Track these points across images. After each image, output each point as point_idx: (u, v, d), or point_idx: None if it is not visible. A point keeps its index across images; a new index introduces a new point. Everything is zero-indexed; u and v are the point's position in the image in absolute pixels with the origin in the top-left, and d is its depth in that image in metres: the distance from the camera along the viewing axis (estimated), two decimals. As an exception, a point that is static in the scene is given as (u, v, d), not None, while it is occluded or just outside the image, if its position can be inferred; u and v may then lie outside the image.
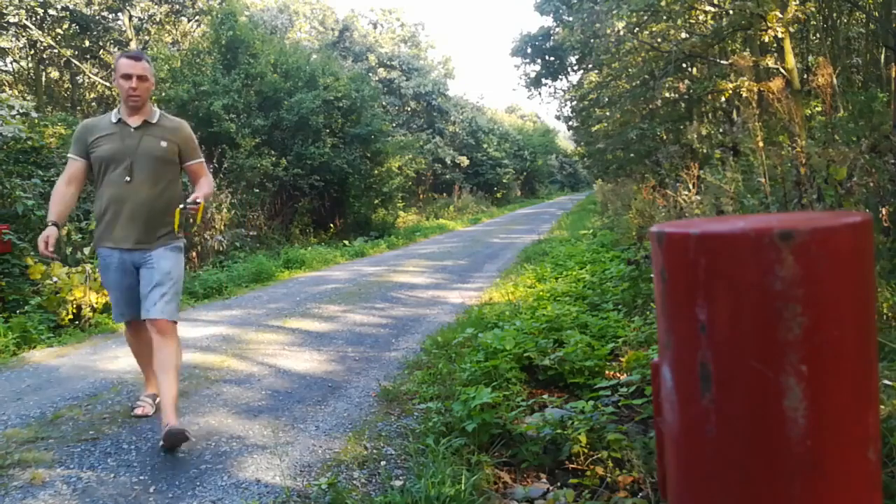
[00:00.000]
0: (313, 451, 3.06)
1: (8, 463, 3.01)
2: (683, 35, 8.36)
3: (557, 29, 21.81)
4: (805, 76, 7.89)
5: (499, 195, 28.09)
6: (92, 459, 3.04)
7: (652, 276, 3.21)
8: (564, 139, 47.09)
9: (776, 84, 4.09)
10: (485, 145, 28.72)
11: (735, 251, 0.30)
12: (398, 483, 2.71)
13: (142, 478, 2.86)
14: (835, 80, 4.23)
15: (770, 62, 6.93)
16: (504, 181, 28.88)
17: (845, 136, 4.26)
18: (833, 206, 3.65)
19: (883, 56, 7.42)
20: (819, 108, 6.28)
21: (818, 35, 8.85)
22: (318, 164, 13.37)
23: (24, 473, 2.89)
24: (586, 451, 2.74)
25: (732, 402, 0.30)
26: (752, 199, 3.85)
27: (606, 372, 3.65)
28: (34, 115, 7.90)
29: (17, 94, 10.62)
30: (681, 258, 0.34)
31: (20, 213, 6.49)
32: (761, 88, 6.33)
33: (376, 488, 2.69)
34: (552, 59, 23.91)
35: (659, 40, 8.43)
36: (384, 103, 19.50)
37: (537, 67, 25.26)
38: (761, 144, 4.04)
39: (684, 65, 8.96)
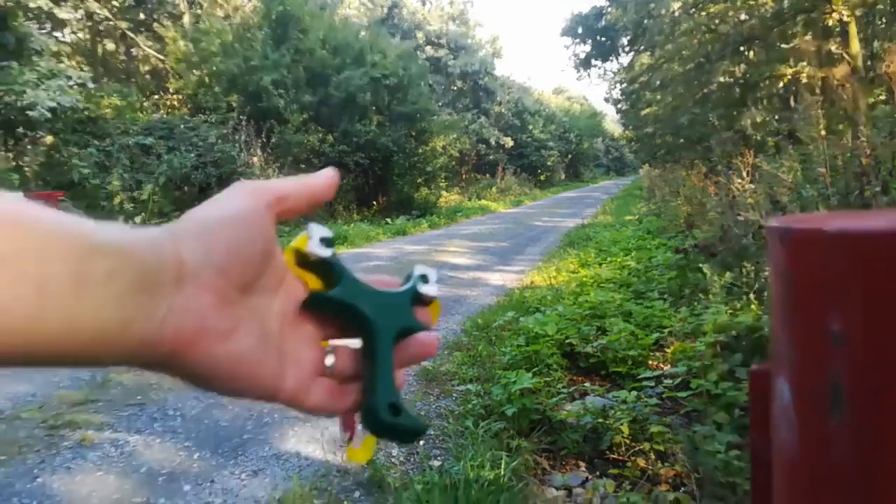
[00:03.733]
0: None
1: (60, 423, 3.11)
2: (743, 16, 8.05)
3: (610, 9, 21.33)
4: (869, 62, 7.54)
5: (542, 178, 27.81)
6: (139, 424, 3.12)
7: (701, 266, 3.12)
8: (612, 122, 46.30)
9: (841, 70, 3.90)
10: (530, 126, 28.40)
11: (881, 253, 0.26)
12: (436, 463, 2.71)
13: (186, 444, 2.92)
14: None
15: (833, 47, 6.63)
16: (548, 164, 28.56)
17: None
18: (898, 200, 3.49)
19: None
20: (883, 97, 5.99)
21: (884, 19, 8.43)
22: (363, 142, 13.42)
23: (75, 434, 2.98)
24: (628, 441, 2.69)
25: (869, 428, 0.26)
26: (811, 190, 3.71)
27: (650, 362, 3.58)
28: (91, 85, 8.09)
29: (74, 65, 10.89)
30: (812, 259, 0.29)
31: (76, 182, 6.67)
32: (824, 75, 6.07)
33: (414, 467, 2.69)
34: (603, 39, 23.45)
35: (717, 22, 8.14)
36: (431, 82, 19.41)
37: (587, 48, 24.79)
38: (823, 133, 3.88)
39: (741, 48, 8.65)
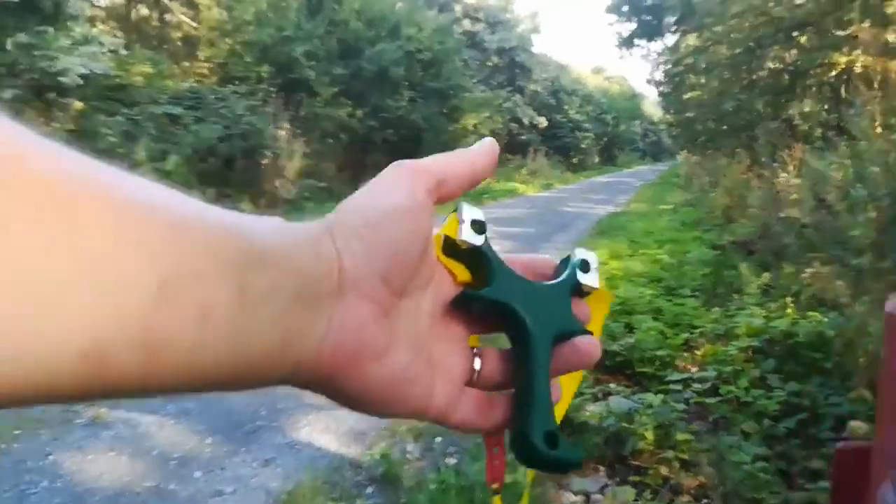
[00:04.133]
0: (368, 418, 2.99)
1: (75, 399, 3.10)
2: (798, 0, 7.71)
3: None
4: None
5: (575, 161, 27.40)
6: (153, 403, 3.09)
7: (737, 264, 2.98)
8: (651, 105, 45.38)
9: (902, 63, 3.67)
10: (566, 107, 27.93)
11: None
12: (452, 461, 2.64)
13: (199, 427, 2.89)
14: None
15: (892, 36, 6.30)
16: (582, 146, 28.12)
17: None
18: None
19: None
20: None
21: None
22: (394, 118, 13.30)
23: (88, 411, 2.96)
24: (651, 448, 2.58)
25: None
26: (862, 190, 3.50)
27: (678, 363, 3.45)
28: (123, 52, 8.07)
29: (108, 29, 10.89)
30: None
31: (102, 150, 6.68)
32: (881, 65, 5.78)
33: (430, 464, 2.62)
34: (649, 18, 22.86)
35: (771, 4, 7.80)
36: (465, 57, 19.12)
37: (632, 26, 24.21)
38: (878, 130, 3.66)
39: (794, 33, 8.29)
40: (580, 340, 0.37)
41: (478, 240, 0.36)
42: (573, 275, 0.38)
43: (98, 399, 0.25)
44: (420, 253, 0.33)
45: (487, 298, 0.36)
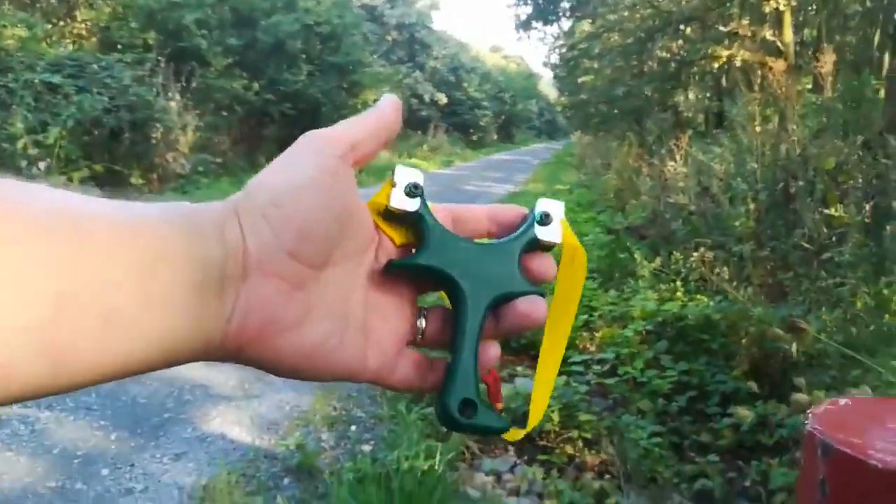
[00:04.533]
0: (280, 407, 3.01)
1: (-41, 397, 2.89)
2: (686, -4, 8.16)
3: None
4: (798, 49, 7.80)
5: (474, 138, 27.74)
6: (49, 399, 2.92)
7: (630, 247, 3.17)
8: (547, 85, 46.50)
9: (779, 66, 4.01)
10: (465, 84, 28.13)
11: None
12: (367, 448, 2.69)
13: (102, 423, 2.78)
14: (832, 65, 4.15)
15: (768, 34, 6.81)
16: (481, 123, 28.48)
17: (836, 123, 4.21)
18: (823, 199, 3.63)
19: (877, 38, 7.36)
20: (810, 86, 6.21)
21: (814, 6, 8.72)
22: (291, 92, 12.92)
23: (-23, 410, 2.78)
24: (557, 429, 2.74)
25: None
26: (742, 184, 3.82)
27: (578, 344, 3.65)
28: (-7, 13, 7.38)
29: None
30: (853, 483, 0.30)
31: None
32: (759, 60, 6.23)
33: (345, 452, 2.66)
34: (545, 1, 23.24)
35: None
36: (365, 31, 18.80)
37: (529, 9, 24.56)
38: (757, 127, 3.98)
39: (681, 26, 8.77)
40: (520, 302, 0.36)
41: (411, 204, 0.36)
42: (527, 230, 0.37)
43: (13, 403, 0.26)
44: (338, 222, 0.33)
45: (415, 265, 0.36)
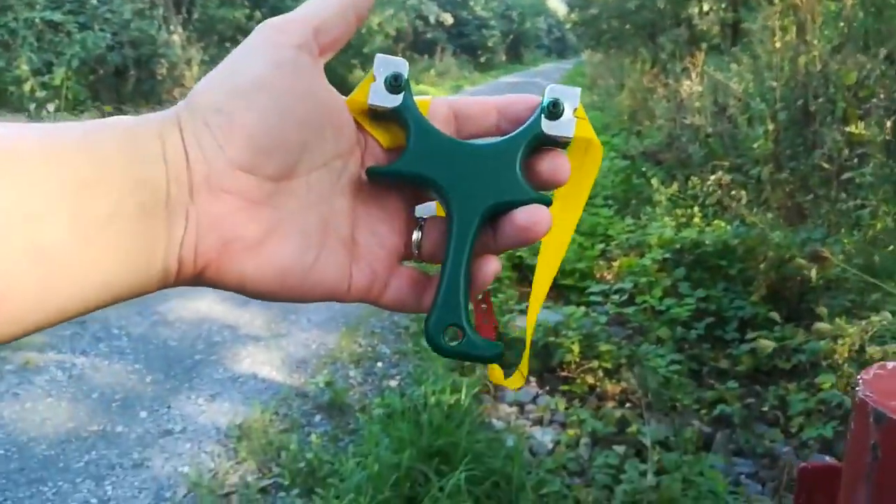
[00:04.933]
0: (307, 345, 3.09)
1: (-3, 345, 2.99)
2: None
3: None
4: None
5: (482, 60, 27.04)
6: (83, 344, 3.03)
7: (645, 172, 3.14)
8: (556, 1, 44.84)
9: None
10: (471, 2, 27.21)
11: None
12: (394, 383, 2.77)
13: (136, 366, 2.87)
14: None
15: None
16: (489, 44, 27.68)
17: (857, 34, 4.04)
18: (843, 117, 3.55)
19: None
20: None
21: None
22: (295, 18, 12.59)
23: (16, 356, 2.87)
24: (577, 359, 2.80)
25: None
26: (760, 104, 3.73)
27: (596, 273, 3.68)
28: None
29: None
30: None
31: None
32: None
33: (372, 389, 2.74)
34: None
35: None
36: (366, -49, 18.05)
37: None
38: (777, 42, 3.84)
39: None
40: (519, 212, 0.31)
41: (392, 100, 0.31)
42: (533, 125, 0.32)
43: None
44: (301, 127, 0.29)
45: (393, 172, 0.32)
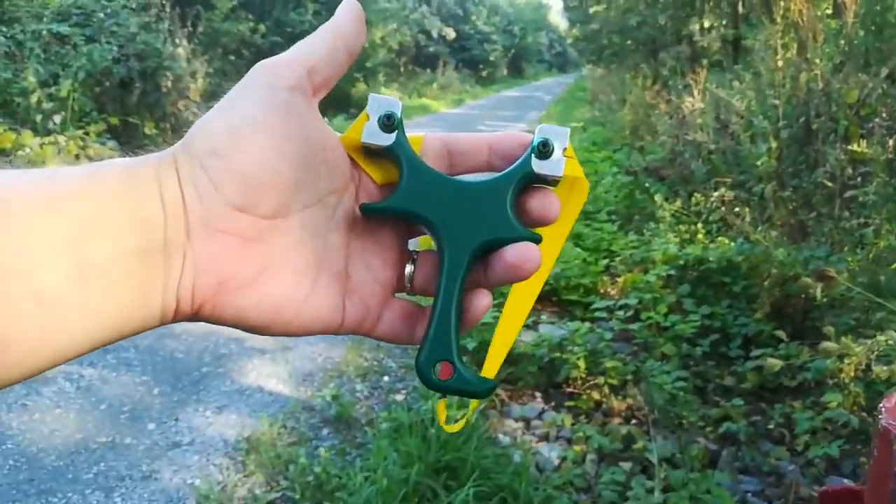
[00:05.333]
0: (313, 358, 3.10)
1: (5, 357, 3.00)
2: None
3: None
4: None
5: (484, 74, 27.18)
6: (91, 356, 3.04)
7: (648, 187, 3.16)
8: (557, 15, 45.12)
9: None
10: (473, 17, 27.40)
11: None
12: (400, 397, 2.78)
13: (144, 378, 2.89)
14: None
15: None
16: (491, 58, 27.84)
17: (858, 52, 4.09)
18: (845, 135, 3.58)
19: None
20: (829, 11, 5.98)
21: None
22: (298, 33, 12.66)
23: (24, 369, 2.88)
24: (583, 375, 2.81)
25: None
26: (764, 122, 3.76)
27: (600, 289, 3.70)
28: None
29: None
30: None
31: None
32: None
33: (379, 402, 2.76)
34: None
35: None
36: (369, -35, 18.23)
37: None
38: (779, 61, 3.89)
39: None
40: (509, 250, 0.31)
41: (385, 139, 0.32)
42: (523, 164, 0.32)
43: None
44: (296, 166, 0.30)
45: (386, 209, 0.32)
